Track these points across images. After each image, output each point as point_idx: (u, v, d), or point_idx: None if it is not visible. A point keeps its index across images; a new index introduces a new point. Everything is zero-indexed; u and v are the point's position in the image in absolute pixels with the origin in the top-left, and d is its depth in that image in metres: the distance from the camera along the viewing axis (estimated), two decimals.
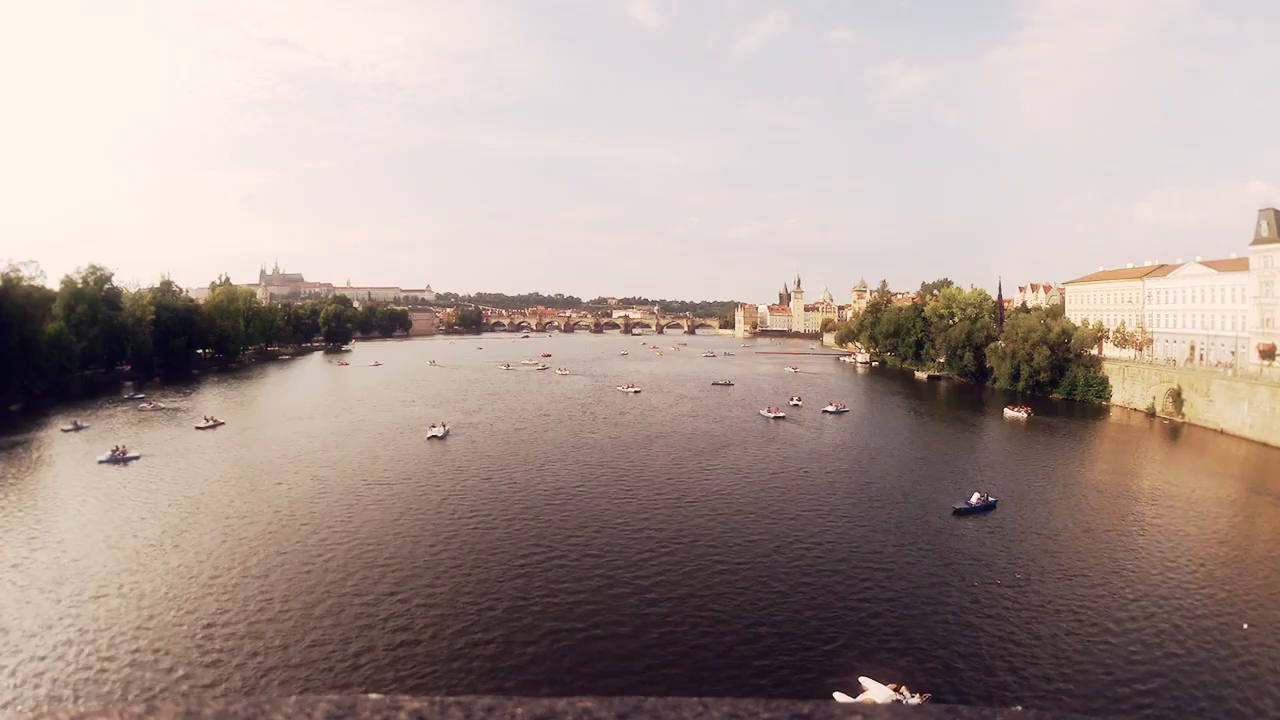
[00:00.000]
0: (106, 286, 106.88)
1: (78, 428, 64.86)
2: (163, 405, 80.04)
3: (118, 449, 52.43)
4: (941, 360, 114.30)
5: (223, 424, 67.46)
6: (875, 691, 21.13)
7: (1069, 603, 27.62)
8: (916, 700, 20.29)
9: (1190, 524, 38.30)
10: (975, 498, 40.51)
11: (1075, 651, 23.83)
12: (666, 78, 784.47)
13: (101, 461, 50.04)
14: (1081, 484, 47.64)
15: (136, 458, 51.53)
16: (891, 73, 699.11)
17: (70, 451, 55.07)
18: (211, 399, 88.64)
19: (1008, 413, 76.67)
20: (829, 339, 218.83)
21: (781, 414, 74.11)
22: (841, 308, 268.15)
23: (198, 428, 65.25)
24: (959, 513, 39.23)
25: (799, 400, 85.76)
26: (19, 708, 19.98)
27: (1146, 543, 35.20)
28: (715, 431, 65.18)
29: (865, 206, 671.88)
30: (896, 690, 21.16)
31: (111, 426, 67.48)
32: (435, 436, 59.72)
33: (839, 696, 20.95)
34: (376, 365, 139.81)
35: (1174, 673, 22.50)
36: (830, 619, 26.20)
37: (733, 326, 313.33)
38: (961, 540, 35.41)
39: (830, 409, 77.58)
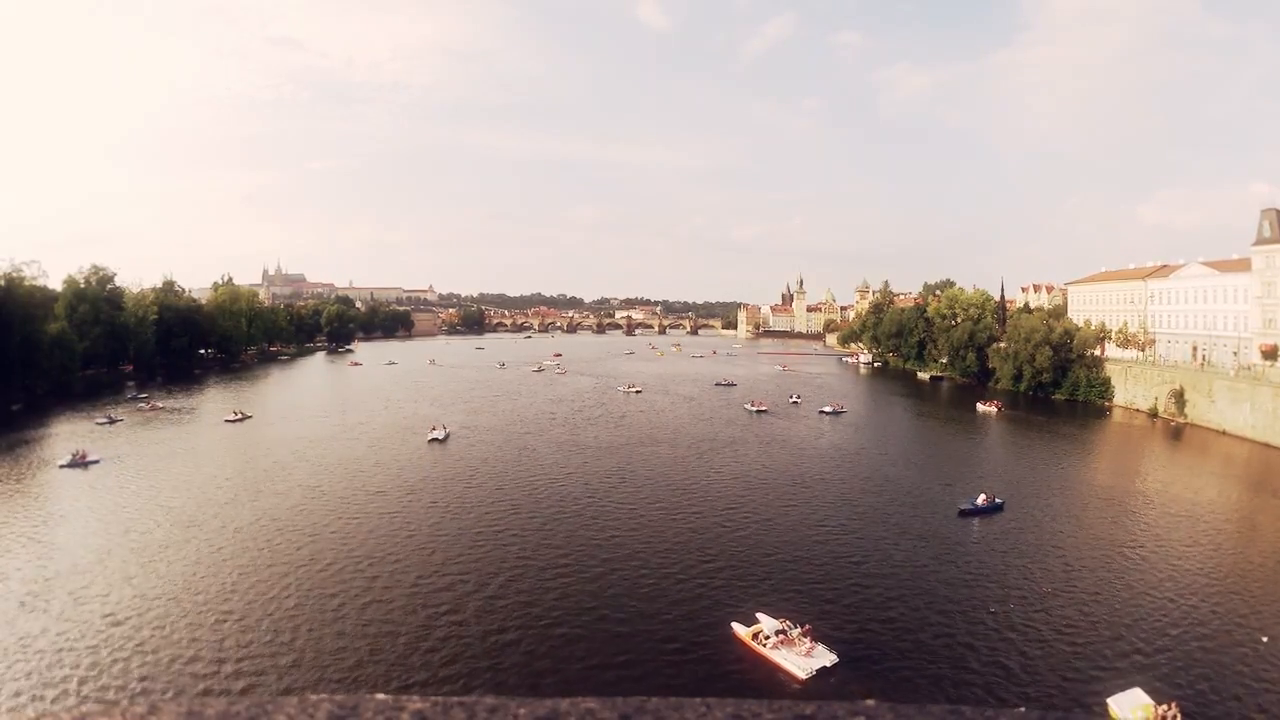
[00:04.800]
0: (109, 286, 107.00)
1: (112, 421, 67.31)
2: (162, 405, 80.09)
3: (77, 453, 50.80)
4: (944, 361, 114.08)
5: (250, 417, 71.40)
6: (766, 623, 23.88)
7: (1077, 606, 27.47)
8: (799, 632, 23.23)
9: (1197, 528, 37.91)
10: (981, 499, 40.23)
11: (1083, 655, 23.70)
12: (672, 79, 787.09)
13: (62, 466, 48.82)
14: (1087, 487, 47.38)
15: (97, 461, 50.10)
16: (897, 75, 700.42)
17: (59, 455, 53.10)
18: (214, 399, 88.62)
19: (979, 407, 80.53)
20: (831, 339, 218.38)
21: (765, 408, 77.32)
22: (844, 308, 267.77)
23: (226, 420, 68.99)
24: (964, 513, 39.03)
25: (797, 398, 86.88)
26: (19, 708, 19.91)
27: (1156, 548, 34.60)
28: (715, 432, 65.19)
29: (869, 207, 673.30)
30: (783, 623, 23.67)
31: (130, 424, 68.22)
32: (436, 439, 59.38)
33: (736, 626, 23.98)
34: (391, 364, 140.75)
35: (1186, 681, 22.31)
36: (834, 617, 26.07)
37: (735, 327, 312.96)
38: (966, 543, 35.26)
39: (827, 409, 77.67)
